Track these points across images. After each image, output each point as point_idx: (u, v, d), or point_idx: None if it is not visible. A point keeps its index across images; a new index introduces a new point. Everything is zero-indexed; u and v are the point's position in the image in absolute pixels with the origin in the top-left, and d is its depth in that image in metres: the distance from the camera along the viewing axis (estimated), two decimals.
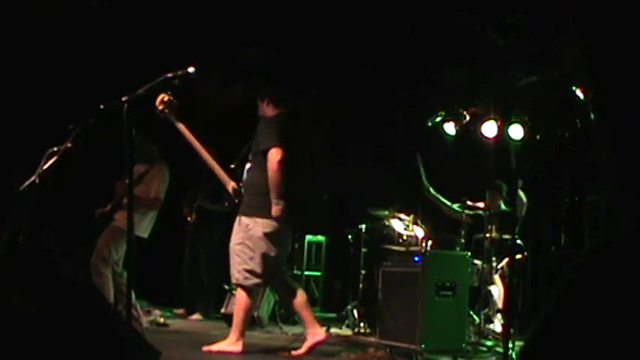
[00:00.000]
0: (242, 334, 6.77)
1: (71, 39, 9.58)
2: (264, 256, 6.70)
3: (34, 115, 9.34)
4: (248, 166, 6.93)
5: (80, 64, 9.67)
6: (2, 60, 9.21)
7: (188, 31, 9.82)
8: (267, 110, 6.94)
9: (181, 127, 6.69)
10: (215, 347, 6.67)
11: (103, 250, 7.74)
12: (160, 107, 6.54)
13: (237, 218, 6.85)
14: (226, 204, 7.06)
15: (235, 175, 6.95)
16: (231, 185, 6.91)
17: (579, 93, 8.72)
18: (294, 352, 6.80)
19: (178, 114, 6.70)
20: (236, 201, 6.89)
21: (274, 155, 6.58)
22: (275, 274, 6.88)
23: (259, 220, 6.69)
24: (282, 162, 6.58)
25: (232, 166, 6.95)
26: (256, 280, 6.77)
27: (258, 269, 6.71)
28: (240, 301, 6.82)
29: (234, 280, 6.88)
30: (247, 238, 6.72)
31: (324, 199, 13.09)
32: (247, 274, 6.72)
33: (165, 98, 6.50)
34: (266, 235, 6.68)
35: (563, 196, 9.75)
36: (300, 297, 6.91)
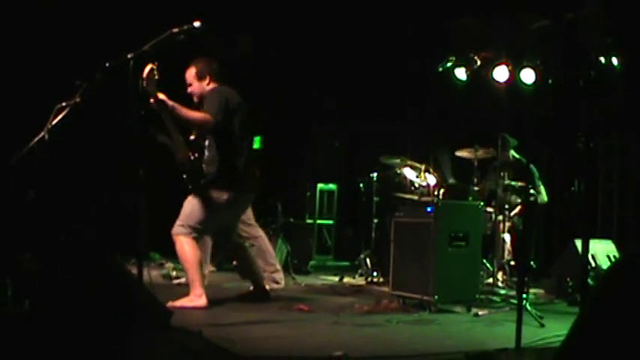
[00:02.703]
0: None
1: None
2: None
3: (41, 72, 9.27)
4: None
5: (86, 20, 9.57)
6: (9, 17, 9.13)
7: None
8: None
9: (162, 97, 6.43)
10: (179, 303, 6.58)
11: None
12: (146, 80, 6.30)
13: None
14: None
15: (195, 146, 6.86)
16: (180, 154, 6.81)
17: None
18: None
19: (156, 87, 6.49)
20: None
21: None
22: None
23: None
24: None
25: (192, 137, 6.85)
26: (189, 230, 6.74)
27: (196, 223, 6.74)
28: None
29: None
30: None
31: (336, 148, 13.05)
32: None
33: (152, 69, 6.27)
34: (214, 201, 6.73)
35: (576, 142, 9.64)
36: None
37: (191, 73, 6.92)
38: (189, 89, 6.95)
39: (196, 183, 6.73)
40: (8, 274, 4.33)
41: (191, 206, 6.76)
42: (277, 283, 8.35)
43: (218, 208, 6.76)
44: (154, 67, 6.17)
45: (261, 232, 8.29)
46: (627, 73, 9.16)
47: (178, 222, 6.76)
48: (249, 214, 8.06)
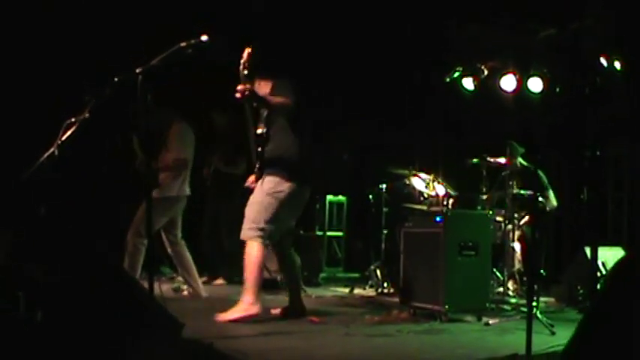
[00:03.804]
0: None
1: (84, 11, 9.54)
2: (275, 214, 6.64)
3: (48, 88, 9.32)
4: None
5: (93, 35, 9.63)
6: (17, 31, 9.19)
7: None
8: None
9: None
10: (231, 315, 6.49)
11: (139, 221, 7.80)
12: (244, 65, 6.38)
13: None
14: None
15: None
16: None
17: (603, 60, 8.63)
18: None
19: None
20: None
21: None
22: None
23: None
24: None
25: (259, 130, 6.81)
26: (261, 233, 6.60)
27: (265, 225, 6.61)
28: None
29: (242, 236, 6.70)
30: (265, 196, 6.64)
31: (345, 159, 13.06)
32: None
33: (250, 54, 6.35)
34: (278, 194, 6.63)
35: (584, 151, 9.65)
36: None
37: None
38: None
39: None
40: (20, 287, 4.35)
41: (255, 205, 6.62)
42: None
43: (283, 200, 6.63)
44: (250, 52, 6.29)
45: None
46: (631, 79, 9.16)
47: (246, 225, 6.61)
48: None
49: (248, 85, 6.30)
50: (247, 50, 6.38)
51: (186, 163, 8.22)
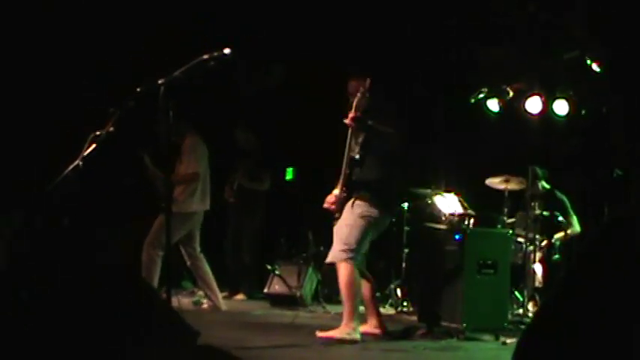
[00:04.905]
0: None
1: (105, 22, 9.66)
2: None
3: (70, 100, 9.43)
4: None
5: (116, 48, 9.75)
6: (37, 43, 9.31)
7: (223, 12, 9.88)
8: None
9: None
10: (332, 333, 6.47)
11: (155, 234, 7.85)
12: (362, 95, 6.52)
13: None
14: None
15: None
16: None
17: (595, 67, 8.62)
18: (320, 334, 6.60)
19: None
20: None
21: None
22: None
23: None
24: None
25: (357, 157, 6.82)
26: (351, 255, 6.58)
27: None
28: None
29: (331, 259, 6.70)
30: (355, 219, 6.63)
31: None
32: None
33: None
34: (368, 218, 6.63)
35: (607, 171, 9.62)
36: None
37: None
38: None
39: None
40: (40, 294, 4.41)
41: (347, 228, 6.61)
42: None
43: (369, 225, 6.65)
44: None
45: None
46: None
47: (337, 247, 6.61)
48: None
49: (358, 113, 6.46)
50: (368, 81, 6.50)
51: (198, 176, 8.23)
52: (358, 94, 6.52)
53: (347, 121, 6.49)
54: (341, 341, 6.34)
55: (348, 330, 6.44)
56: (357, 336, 6.45)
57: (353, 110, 6.52)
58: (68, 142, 6.47)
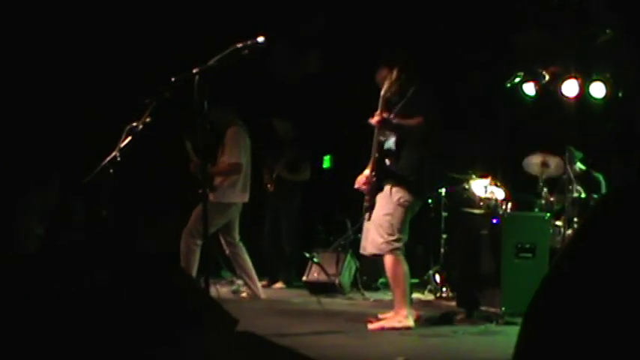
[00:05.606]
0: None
1: (139, 14, 9.73)
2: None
3: (105, 92, 9.50)
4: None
5: (150, 38, 9.81)
6: (74, 36, 9.39)
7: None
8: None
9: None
10: (384, 324, 6.43)
11: (194, 223, 7.89)
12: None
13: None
14: None
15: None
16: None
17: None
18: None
19: None
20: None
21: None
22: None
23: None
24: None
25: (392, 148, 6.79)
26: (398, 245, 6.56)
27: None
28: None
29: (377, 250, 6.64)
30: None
31: None
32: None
33: None
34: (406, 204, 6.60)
35: None
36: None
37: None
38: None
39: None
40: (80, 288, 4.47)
41: (389, 217, 6.54)
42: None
43: (407, 211, 6.61)
44: None
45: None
46: None
47: (380, 239, 6.54)
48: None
49: (385, 114, 6.44)
50: (397, 69, 6.47)
51: (240, 167, 8.23)
52: (386, 82, 6.50)
53: (373, 121, 6.44)
54: (392, 329, 6.30)
55: (400, 317, 6.41)
56: (410, 323, 6.41)
57: (380, 106, 6.45)
58: (104, 133, 6.56)
